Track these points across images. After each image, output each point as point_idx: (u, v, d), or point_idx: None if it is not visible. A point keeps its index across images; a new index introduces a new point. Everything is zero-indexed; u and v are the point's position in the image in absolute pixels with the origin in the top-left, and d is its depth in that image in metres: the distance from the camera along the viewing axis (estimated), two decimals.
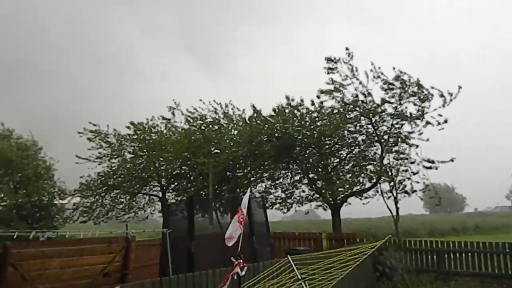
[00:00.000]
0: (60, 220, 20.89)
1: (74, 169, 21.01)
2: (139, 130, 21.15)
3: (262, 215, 10.29)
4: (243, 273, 4.03)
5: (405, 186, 15.44)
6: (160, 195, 21.57)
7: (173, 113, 21.08)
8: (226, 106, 20.08)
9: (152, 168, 20.42)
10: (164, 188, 21.40)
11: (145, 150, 20.86)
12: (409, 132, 15.41)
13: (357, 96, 15.49)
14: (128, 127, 21.14)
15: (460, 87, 14.37)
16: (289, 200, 18.03)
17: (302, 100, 16.86)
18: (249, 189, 5.10)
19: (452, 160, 15.01)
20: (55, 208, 21.24)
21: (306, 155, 17.71)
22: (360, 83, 15.32)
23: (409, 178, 15.55)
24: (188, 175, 20.58)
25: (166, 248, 8.45)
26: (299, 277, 5.05)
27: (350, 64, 15.34)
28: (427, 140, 14.99)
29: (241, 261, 4.05)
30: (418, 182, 15.30)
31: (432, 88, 14.60)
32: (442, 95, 14.42)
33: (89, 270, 6.72)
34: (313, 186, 17.43)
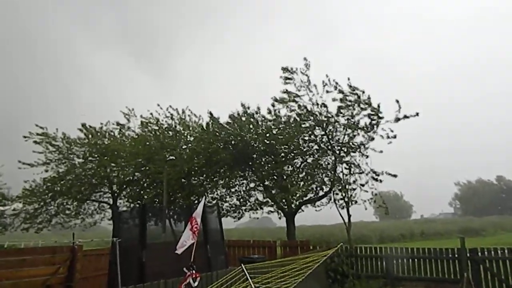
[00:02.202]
0: None
1: (16, 174, 19.72)
2: (91, 134, 20.30)
3: (217, 223, 10.15)
4: (196, 284, 3.92)
5: (355, 195, 15.91)
6: (111, 202, 20.74)
7: (128, 120, 20.47)
8: (183, 112, 19.75)
9: (103, 173, 19.59)
10: (116, 194, 20.62)
11: (96, 155, 19.99)
12: (361, 144, 15.98)
13: (311, 106, 15.86)
14: (80, 130, 20.23)
15: (417, 114, 15.13)
16: (243, 208, 18.01)
17: (258, 108, 16.99)
18: (203, 197, 4.99)
19: (395, 176, 15.75)
20: None
21: (262, 163, 17.80)
22: (315, 94, 15.69)
23: (358, 188, 16.08)
24: (141, 182, 19.96)
25: (115, 257, 8.07)
26: (253, 286, 5.01)
27: (307, 75, 15.69)
28: (381, 151, 15.59)
29: (194, 271, 3.94)
30: (366, 191, 15.83)
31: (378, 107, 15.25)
32: (398, 117, 15.07)
33: (30, 282, 6.25)
34: (268, 194, 17.54)
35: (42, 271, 6.30)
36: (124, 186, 20.59)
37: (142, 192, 19.64)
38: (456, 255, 10.06)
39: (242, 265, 5.47)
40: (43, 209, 20.02)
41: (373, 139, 15.59)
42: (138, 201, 18.98)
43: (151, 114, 19.78)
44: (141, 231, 8.59)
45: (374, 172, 15.50)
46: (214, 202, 17.72)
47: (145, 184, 19.73)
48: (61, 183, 19.55)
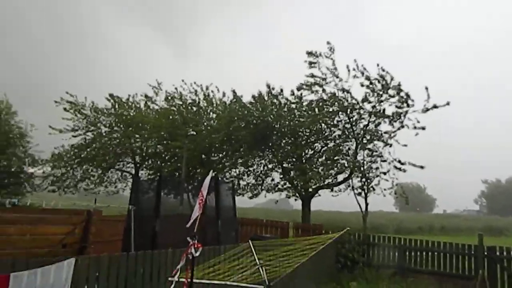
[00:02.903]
0: (28, 187, 20.49)
1: (47, 137, 20.47)
2: (118, 104, 20.73)
3: (231, 200, 10.28)
4: (197, 254, 4.01)
5: (374, 183, 15.69)
6: (133, 172, 21.32)
7: (156, 93, 20.71)
8: (207, 88, 19.82)
9: (127, 144, 20.09)
10: (138, 165, 21.15)
11: (121, 126, 20.47)
12: (386, 132, 15.65)
13: (336, 91, 15.58)
14: (108, 99, 20.69)
15: (448, 103, 14.58)
16: (259, 187, 18.12)
17: (281, 90, 16.85)
18: (211, 171, 5.05)
19: (422, 167, 15.32)
20: (25, 175, 20.78)
21: (281, 144, 17.77)
22: (340, 80, 15.37)
23: (378, 176, 15.84)
24: (163, 155, 20.37)
25: (130, 224, 8.35)
26: (257, 262, 5.08)
27: (332, 59, 15.36)
28: (405, 145, 15.20)
29: (196, 242, 4.03)
30: (387, 181, 15.59)
31: (407, 95, 14.78)
32: (426, 106, 14.59)
33: (48, 239, 6.59)
34: (286, 176, 17.55)
35: (59, 230, 6.62)
36: (147, 158, 21.07)
37: (163, 164, 20.06)
38: (473, 252, 9.82)
39: (250, 241, 5.54)
40: (70, 174, 20.81)
41: (401, 127, 15.22)
42: (159, 173, 19.43)
43: (176, 88, 19.98)
44: (156, 201, 8.81)
45: (399, 161, 15.18)
46: (228, 179, 17.92)
47: (166, 157, 20.13)
48: (87, 150, 20.21)
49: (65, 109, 20.12)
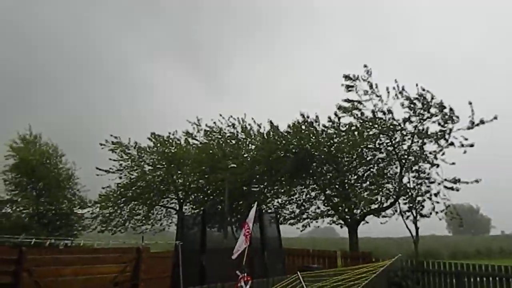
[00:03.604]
0: (79, 228, 21.32)
1: (94, 179, 21.43)
2: (159, 142, 21.51)
3: (275, 230, 10.22)
4: (247, 287, 4.01)
5: (423, 206, 15.05)
6: (177, 208, 21.73)
7: (198, 131, 21.30)
8: (243, 121, 20.19)
9: (170, 180, 20.64)
10: (181, 201, 21.56)
11: (163, 163, 21.13)
12: (431, 152, 15.13)
13: (376, 113, 15.39)
14: (150, 139, 21.53)
15: (495, 117, 14.01)
16: (303, 216, 17.84)
17: (317, 117, 16.88)
18: (255, 203, 5.09)
19: (477, 181, 14.57)
20: (75, 216, 21.70)
21: (323, 171, 17.57)
22: (380, 100, 15.23)
23: (429, 198, 15.19)
24: (205, 189, 20.69)
25: (178, 260, 8.47)
26: None
27: (369, 81, 15.31)
28: (453, 163, 14.60)
29: (245, 274, 4.04)
30: (438, 202, 14.89)
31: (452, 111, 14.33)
32: (472, 121, 14.07)
33: (101, 278, 6.80)
34: (329, 203, 17.23)
35: (111, 269, 6.82)
36: (189, 193, 21.46)
37: (206, 199, 20.35)
38: None
39: (298, 272, 5.47)
40: (117, 213, 21.52)
41: (448, 146, 14.67)
42: (202, 208, 19.68)
43: (214, 123, 20.50)
44: (201, 236, 8.93)
45: (450, 180, 14.53)
46: (273, 210, 17.81)
47: (208, 191, 20.42)
48: (132, 189, 20.94)
49: (111, 150, 21.13)
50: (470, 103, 13.97)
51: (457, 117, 14.34)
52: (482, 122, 14.00)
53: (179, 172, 20.63)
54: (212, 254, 8.95)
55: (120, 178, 21.31)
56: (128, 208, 21.66)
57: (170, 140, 21.72)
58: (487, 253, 29.81)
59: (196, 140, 21.54)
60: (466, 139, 14.28)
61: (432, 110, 14.63)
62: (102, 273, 6.85)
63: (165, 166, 21.01)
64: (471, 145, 14.31)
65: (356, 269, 4.80)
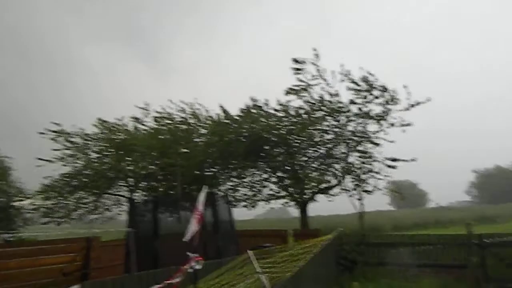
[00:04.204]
0: (19, 221, 20.23)
1: (35, 170, 20.29)
2: (106, 128, 20.72)
3: (228, 213, 10.41)
4: (199, 267, 4.16)
5: (367, 184, 15.98)
6: (128, 195, 21.24)
7: (146, 116, 20.74)
8: (193, 105, 19.99)
9: (119, 167, 20.05)
10: (132, 188, 21.09)
11: (111, 150, 20.44)
12: (373, 132, 16.00)
13: (323, 96, 15.93)
14: (95, 125, 20.66)
15: (429, 99, 15.03)
16: (256, 198, 18.25)
17: (267, 100, 17.15)
18: (204, 187, 5.21)
19: (413, 160, 15.69)
20: (13, 209, 20.55)
21: (274, 154, 17.98)
22: (327, 83, 15.75)
23: (372, 176, 16.14)
24: (156, 175, 20.37)
25: (130, 247, 8.41)
26: (258, 270, 5.23)
27: (317, 65, 15.74)
28: (392, 141, 15.58)
29: (197, 255, 4.18)
30: (380, 179, 15.91)
31: (394, 94, 15.17)
32: (411, 103, 14.99)
33: (49, 270, 6.63)
34: (281, 184, 17.73)
35: (59, 259, 6.68)
36: (140, 180, 21.02)
37: (157, 184, 20.07)
38: (464, 241, 10.10)
39: (248, 251, 5.69)
40: (62, 204, 20.63)
41: (391, 125, 15.58)
42: (154, 194, 19.42)
43: (164, 109, 20.10)
44: (154, 222, 8.91)
45: (389, 159, 15.53)
46: (226, 193, 18.00)
47: (160, 177, 20.15)
48: (78, 177, 20.10)
49: (53, 139, 20.02)
50: (405, 87, 14.89)
51: (398, 98, 15.24)
52: (418, 103, 15.01)
53: (128, 158, 20.06)
54: (165, 239, 8.97)
55: (64, 166, 20.35)
56: (74, 198, 20.82)
57: (118, 126, 21.01)
58: (424, 224, 32.33)
59: (145, 126, 21.03)
60: (403, 120, 15.25)
61: (375, 93, 15.40)
62: (49, 264, 6.68)
63: (113, 153, 20.33)
64: (408, 125, 15.34)
65: (302, 244, 5.12)
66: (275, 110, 17.08)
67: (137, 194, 21.28)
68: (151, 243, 8.75)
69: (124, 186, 21.44)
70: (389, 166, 15.68)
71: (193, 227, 4.45)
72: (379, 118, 15.64)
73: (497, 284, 9.56)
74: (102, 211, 21.68)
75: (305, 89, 16.05)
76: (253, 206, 18.39)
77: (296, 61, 15.97)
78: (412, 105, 15.17)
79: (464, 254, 10.03)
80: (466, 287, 9.26)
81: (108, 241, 12.53)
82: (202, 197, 4.54)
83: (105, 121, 20.73)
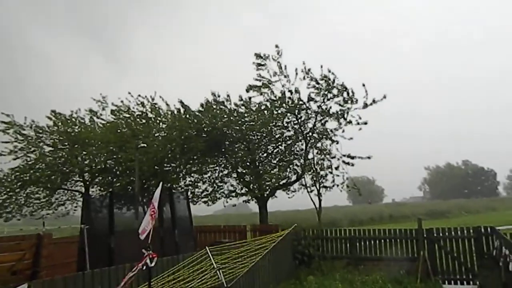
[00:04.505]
0: None
1: None
2: (61, 121, 19.85)
3: (186, 209, 10.36)
4: (153, 264, 4.14)
5: (325, 180, 16.40)
6: (83, 191, 20.51)
7: (103, 109, 20.05)
8: (153, 99, 19.58)
9: (74, 162, 19.29)
10: (88, 183, 20.38)
11: (66, 143, 19.62)
12: (332, 130, 16.43)
13: (284, 93, 16.12)
14: (49, 117, 19.73)
15: (384, 97, 15.57)
16: (217, 194, 18.22)
17: (228, 96, 17.14)
18: (160, 183, 5.18)
19: (369, 157, 16.27)
20: None
21: (235, 150, 18.02)
22: (288, 80, 15.96)
23: (331, 173, 16.61)
24: (114, 170, 19.81)
25: (84, 244, 8.19)
26: (215, 266, 5.28)
27: (279, 62, 15.90)
28: (350, 138, 16.08)
29: (151, 252, 4.16)
30: (338, 176, 16.39)
31: (352, 93, 15.62)
32: (366, 102, 15.49)
33: None
34: (242, 180, 17.81)
35: (7, 258, 6.38)
36: (96, 174, 20.36)
37: (114, 180, 19.52)
38: (414, 235, 10.69)
39: (207, 247, 5.73)
40: (12, 199, 19.59)
41: (346, 124, 16.03)
42: (111, 189, 18.87)
43: (122, 102, 19.54)
44: (109, 218, 8.71)
45: (347, 156, 16.02)
46: (183, 189, 17.84)
47: (117, 172, 19.60)
48: (30, 172, 19.14)
49: (3, 131, 18.94)
50: (364, 85, 15.39)
51: (356, 99, 15.72)
52: (374, 102, 15.57)
53: (84, 152, 19.34)
54: (121, 236, 8.79)
55: (15, 159, 19.31)
56: (25, 193, 19.83)
57: (73, 119, 20.18)
58: (379, 219, 33.74)
59: (102, 119, 20.36)
60: (360, 118, 15.77)
61: (335, 91, 15.79)
62: None
63: (68, 146, 19.52)
64: (365, 123, 15.89)
65: (259, 240, 5.22)
66: (236, 105, 17.11)
67: (93, 190, 20.62)
68: (106, 240, 8.55)
69: (79, 181, 20.69)
70: (346, 163, 16.18)
71: (148, 224, 4.42)
72: (338, 116, 16.07)
73: (444, 276, 10.21)
74: (55, 207, 20.79)
75: (266, 85, 16.18)
76: (213, 202, 18.34)
77: (258, 56, 16.03)
78: (367, 104, 15.67)
79: (415, 248, 10.59)
80: (416, 279, 9.80)
81: (61, 238, 12.12)
82: (157, 193, 4.51)
83: (59, 114, 19.87)
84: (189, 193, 18.18)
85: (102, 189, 20.05)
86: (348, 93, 15.64)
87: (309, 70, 15.79)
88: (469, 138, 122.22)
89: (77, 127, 19.98)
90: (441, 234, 10.45)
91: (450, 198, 66.95)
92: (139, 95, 19.33)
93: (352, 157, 16.08)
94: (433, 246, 10.38)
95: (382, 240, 11.14)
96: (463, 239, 10.19)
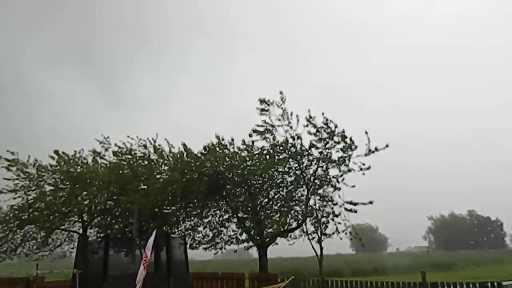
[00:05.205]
0: None
1: None
2: (64, 161, 19.94)
3: (183, 254, 10.12)
4: None
5: (326, 227, 16.08)
6: (81, 232, 20.17)
7: (106, 149, 20.21)
8: (155, 141, 19.75)
9: (73, 202, 19.15)
10: (86, 224, 20.10)
11: (67, 183, 19.58)
12: (334, 176, 16.34)
13: (287, 139, 16.24)
14: (52, 157, 19.85)
15: (387, 145, 15.63)
16: (217, 240, 17.82)
17: (232, 140, 17.28)
18: (155, 231, 5.10)
19: (371, 203, 16.03)
20: None
21: (236, 194, 17.88)
22: (291, 126, 16.13)
23: (332, 219, 16.29)
24: (113, 211, 19.59)
25: None
26: None
27: (282, 108, 16.16)
28: (353, 186, 15.92)
29: None
30: (340, 223, 16.05)
31: (352, 141, 15.72)
32: (369, 148, 15.56)
33: None
34: (242, 225, 17.51)
35: None
36: (95, 215, 20.13)
37: (113, 221, 19.26)
38: None
39: None
40: (8, 237, 19.25)
41: (348, 171, 15.96)
42: (108, 231, 18.57)
43: (124, 144, 19.71)
44: (103, 263, 8.49)
45: (349, 202, 15.77)
46: (180, 234, 17.50)
47: (117, 213, 19.39)
48: (29, 211, 18.96)
49: (6, 168, 19.00)
50: (366, 133, 15.49)
51: (356, 146, 15.78)
52: (376, 149, 15.59)
53: (84, 192, 19.25)
54: (115, 281, 8.53)
55: (15, 199, 19.20)
56: (22, 232, 19.50)
57: (76, 159, 20.29)
58: (382, 269, 32.69)
59: (105, 160, 20.45)
60: (363, 164, 15.72)
61: (336, 139, 15.90)
62: None
63: (69, 186, 19.47)
64: (368, 168, 15.80)
65: None
66: (239, 149, 17.19)
67: (91, 231, 20.29)
68: (99, 285, 8.29)
69: (77, 221, 20.42)
70: (349, 210, 15.92)
71: (142, 272, 4.30)
72: (339, 163, 16.06)
73: None
74: (51, 248, 20.36)
75: (269, 131, 16.34)
76: (214, 249, 17.88)
77: (262, 101, 16.30)
78: (370, 152, 15.70)
79: None
80: None
81: (55, 281, 11.77)
82: (151, 241, 4.43)
83: (63, 153, 20.02)
84: (189, 237, 17.85)
85: (100, 230, 19.73)
86: (346, 142, 15.73)
87: (311, 117, 15.97)
88: (473, 187, 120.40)
89: (79, 167, 20.03)
90: None
91: (455, 249, 65.22)
92: (140, 139, 19.55)
93: (355, 204, 15.83)
94: None
95: None
96: None
